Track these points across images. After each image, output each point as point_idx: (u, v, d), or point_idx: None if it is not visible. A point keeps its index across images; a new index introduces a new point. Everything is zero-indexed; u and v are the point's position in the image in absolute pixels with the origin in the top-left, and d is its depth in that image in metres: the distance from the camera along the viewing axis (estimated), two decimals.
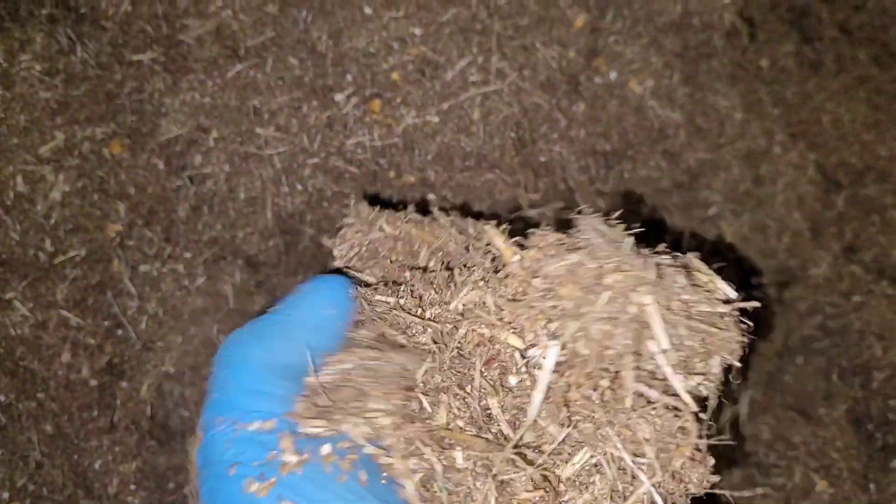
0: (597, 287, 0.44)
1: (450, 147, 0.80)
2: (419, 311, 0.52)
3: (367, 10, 0.81)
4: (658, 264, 0.47)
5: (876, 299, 1.16)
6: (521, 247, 0.49)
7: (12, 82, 0.86)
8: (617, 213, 0.52)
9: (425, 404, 0.48)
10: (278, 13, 0.85)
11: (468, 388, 0.47)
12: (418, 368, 0.49)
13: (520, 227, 0.56)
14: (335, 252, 0.60)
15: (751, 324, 0.49)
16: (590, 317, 0.44)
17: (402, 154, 0.80)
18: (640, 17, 0.97)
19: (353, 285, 0.55)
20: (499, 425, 0.47)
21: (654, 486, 0.45)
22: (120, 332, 0.88)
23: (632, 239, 0.48)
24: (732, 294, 0.48)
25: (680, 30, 1.02)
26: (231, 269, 0.84)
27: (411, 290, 0.53)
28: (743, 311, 0.49)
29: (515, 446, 0.46)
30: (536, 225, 0.53)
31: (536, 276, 0.47)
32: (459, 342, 0.48)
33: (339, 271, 0.59)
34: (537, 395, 0.45)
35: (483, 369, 0.47)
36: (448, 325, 0.49)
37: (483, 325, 0.47)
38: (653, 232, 0.96)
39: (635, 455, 0.45)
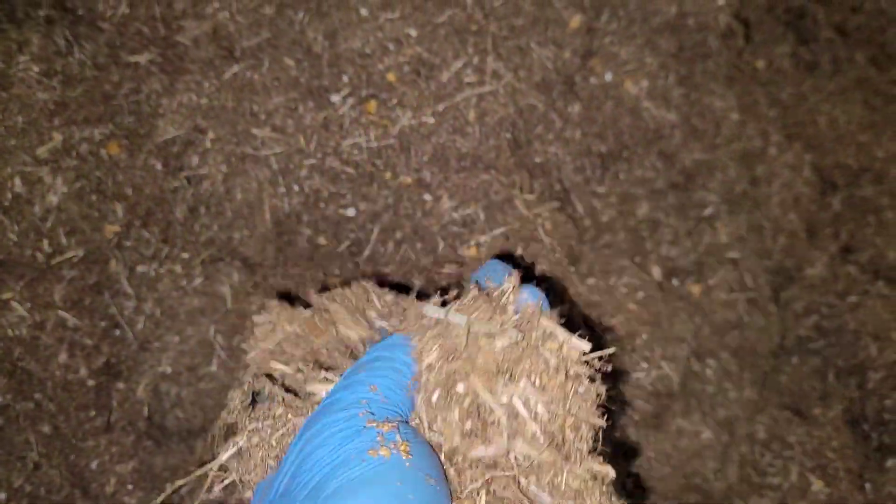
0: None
1: (445, 148, 0.81)
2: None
3: (363, 12, 0.82)
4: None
5: (871, 300, 1.16)
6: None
7: (10, 83, 0.86)
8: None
9: None
10: (274, 14, 0.85)
11: None
12: None
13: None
14: (249, 356, 0.59)
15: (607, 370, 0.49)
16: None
17: (398, 155, 0.80)
18: (635, 18, 0.98)
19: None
20: None
21: None
22: (117, 332, 0.88)
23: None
24: (586, 347, 0.48)
25: (675, 31, 1.02)
26: (228, 269, 0.85)
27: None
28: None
29: None
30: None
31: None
32: None
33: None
34: None
35: None
36: None
37: None
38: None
39: None
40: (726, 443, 0.95)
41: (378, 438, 0.46)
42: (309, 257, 0.87)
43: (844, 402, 1.12)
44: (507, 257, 0.82)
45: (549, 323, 0.48)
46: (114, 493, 0.86)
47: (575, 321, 0.87)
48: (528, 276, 0.83)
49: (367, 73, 0.79)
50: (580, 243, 0.91)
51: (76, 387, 0.88)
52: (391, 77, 0.79)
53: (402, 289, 0.65)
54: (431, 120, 0.79)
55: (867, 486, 1.05)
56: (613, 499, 0.48)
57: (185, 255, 0.86)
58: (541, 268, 0.82)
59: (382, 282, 0.72)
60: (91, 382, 0.88)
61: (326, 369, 0.54)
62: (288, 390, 0.54)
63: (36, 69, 0.87)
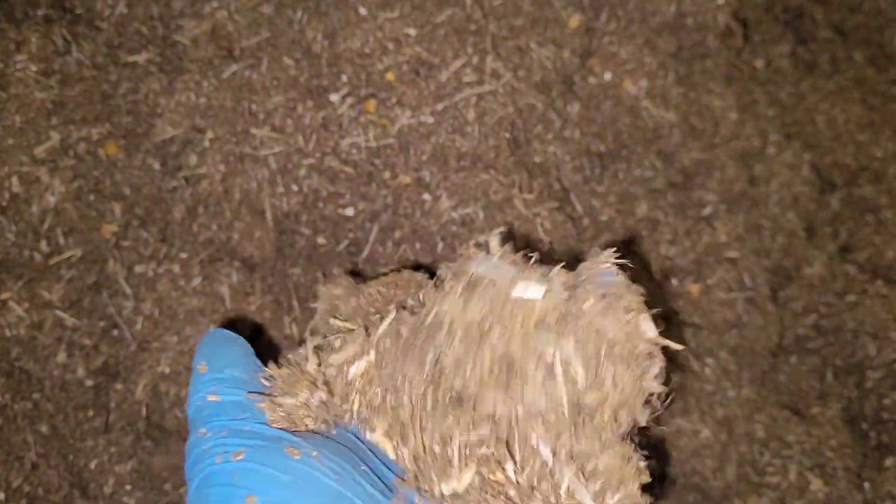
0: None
1: (445, 147, 0.80)
2: None
3: (362, 11, 0.82)
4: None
5: (870, 299, 1.16)
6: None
7: (8, 83, 0.86)
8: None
9: None
10: (273, 14, 0.85)
11: None
12: None
13: None
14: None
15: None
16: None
17: (397, 154, 0.80)
18: (634, 18, 0.98)
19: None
20: None
21: None
22: (115, 332, 0.88)
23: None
24: (652, 333, 0.46)
25: (674, 30, 1.02)
26: (227, 269, 0.84)
27: None
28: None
29: None
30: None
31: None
32: None
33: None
34: None
35: None
36: None
37: None
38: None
39: None
40: (725, 442, 0.95)
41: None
42: (308, 257, 0.87)
43: (843, 401, 1.12)
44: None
45: (630, 294, 0.45)
46: (112, 493, 0.86)
47: None
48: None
49: (367, 73, 0.79)
50: (579, 242, 0.91)
51: (74, 387, 0.88)
52: (390, 76, 0.79)
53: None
54: (430, 119, 0.79)
55: (866, 485, 1.05)
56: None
57: (184, 255, 0.86)
58: (540, 269, 0.81)
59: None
60: (89, 382, 0.88)
61: None
62: None
63: (34, 68, 0.87)
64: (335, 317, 0.57)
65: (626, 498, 0.45)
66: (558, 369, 0.43)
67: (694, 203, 1.07)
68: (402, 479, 0.48)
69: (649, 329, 0.45)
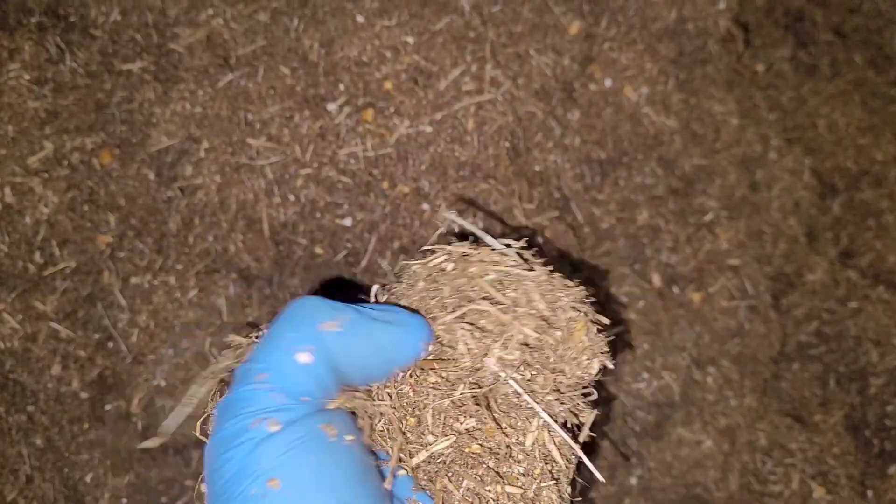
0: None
1: (444, 157, 0.79)
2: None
3: (360, 19, 0.80)
4: None
5: (872, 305, 1.15)
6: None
7: (0, 91, 0.84)
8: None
9: None
10: (270, 22, 0.84)
11: None
12: None
13: None
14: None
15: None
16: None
17: (395, 164, 0.79)
18: (634, 24, 0.97)
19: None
20: None
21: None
22: (111, 344, 0.87)
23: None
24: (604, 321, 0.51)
25: (675, 36, 1.01)
26: (224, 281, 0.83)
27: None
28: None
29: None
30: None
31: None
32: None
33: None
34: None
35: None
36: None
37: None
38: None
39: None
40: (727, 452, 0.94)
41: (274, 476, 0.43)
42: (306, 267, 0.86)
43: (845, 408, 1.11)
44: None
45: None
46: None
47: None
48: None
49: (364, 82, 0.78)
50: (580, 252, 0.90)
51: (69, 399, 0.87)
52: (388, 85, 0.78)
53: None
54: (429, 129, 0.78)
55: (869, 492, 1.05)
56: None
57: (180, 267, 0.85)
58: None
59: None
60: (84, 395, 0.87)
61: None
62: None
63: (27, 77, 0.85)
64: None
65: None
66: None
67: (695, 210, 1.06)
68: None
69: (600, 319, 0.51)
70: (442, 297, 0.50)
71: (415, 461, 0.48)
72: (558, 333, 0.48)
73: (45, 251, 0.85)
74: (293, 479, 0.43)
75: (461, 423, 0.48)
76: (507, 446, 0.48)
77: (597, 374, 0.50)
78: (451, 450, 0.48)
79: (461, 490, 0.47)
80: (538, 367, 0.48)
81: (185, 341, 0.83)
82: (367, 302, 0.54)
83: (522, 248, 0.53)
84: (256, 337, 0.51)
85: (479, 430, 0.48)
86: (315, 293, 0.61)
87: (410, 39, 0.79)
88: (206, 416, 0.52)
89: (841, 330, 1.14)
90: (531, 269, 0.51)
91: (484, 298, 0.49)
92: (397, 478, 0.49)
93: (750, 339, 1.01)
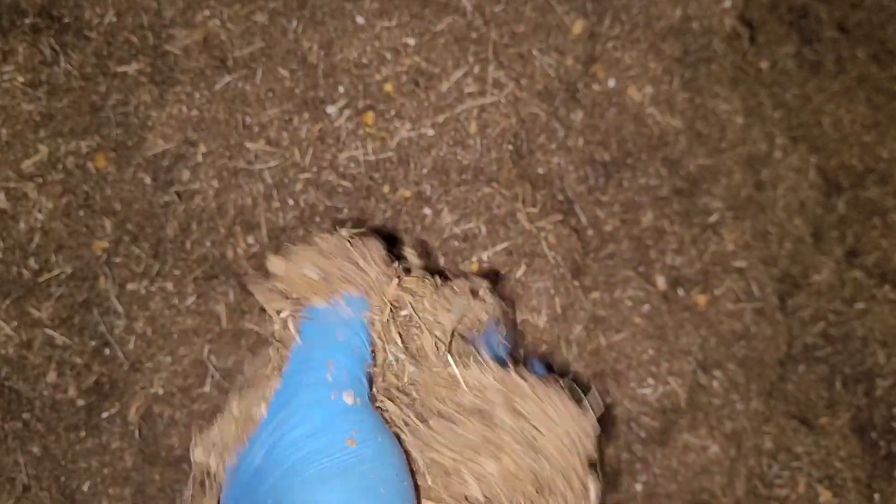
0: None
1: (446, 160, 0.78)
2: None
3: (359, 20, 0.79)
4: None
5: (879, 305, 1.14)
6: None
7: None
8: None
9: None
10: (267, 23, 0.82)
11: None
12: None
13: None
14: None
15: None
16: None
17: (396, 168, 0.77)
18: (638, 23, 0.95)
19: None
20: None
21: None
22: (107, 351, 0.85)
23: None
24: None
25: (679, 34, 1.00)
26: (223, 287, 0.82)
27: None
28: None
29: None
30: None
31: None
32: None
33: None
34: None
35: None
36: None
37: None
38: None
39: None
40: (734, 457, 0.93)
41: (352, 432, 0.48)
42: None
43: (852, 410, 1.10)
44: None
45: None
46: None
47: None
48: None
49: (364, 84, 0.77)
50: (584, 256, 0.89)
51: (65, 407, 0.85)
52: (389, 88, 0.76)
53: None
54: (431, 132, 0.77)
55: (876, 496, 1.04)
56: None
57: (177, 272, 0.83)
58: (544, 284, 0.79)
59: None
60: (81, 402, 0.86)
61: None
62: None
63: (21, 79, 0.84)
64: None
65: None
66: None
67: (700, 210, 1.05)
68: None
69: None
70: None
71: None
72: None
73: (40, 257, 0.83)
74: (368, 443, 0.48)
75: None
76: None
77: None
78: None
79: None
80: None
81: (182, 348, 0.82)
82: None
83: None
84: None
85: None
86: None
87: (411, 41, 0.77)
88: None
89: (847, 331, 1.13)
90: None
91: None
92: None
93: (756, 341, 1.00)
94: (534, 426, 0.49)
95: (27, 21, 0.87)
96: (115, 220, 0.84)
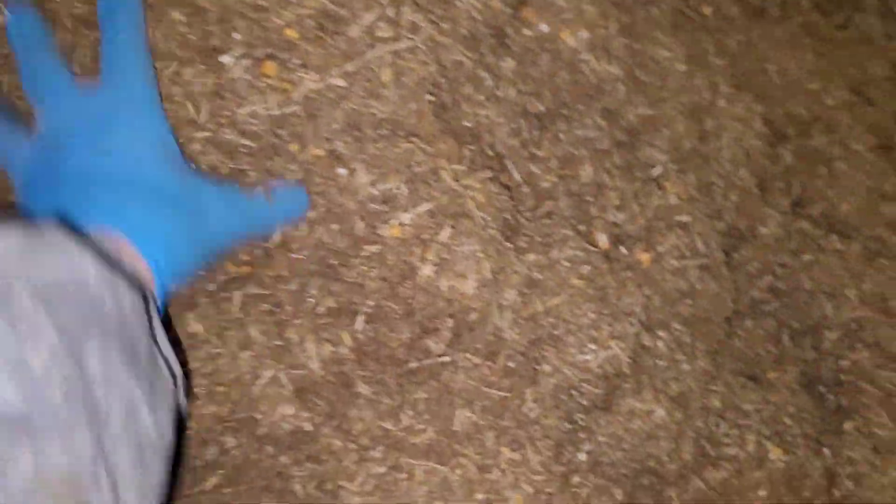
0: None
1: (359, 114, 0.70)
2: None
3: None
4: None
5: (826, 256, 1.12)
6: None
7: None
8: None
9: None
10: None
11: None
12: None
13: None
14: None
15: None
16: None
17: (304, 123, 0.69)
18: None
19: None
20: None
21: None
22: None
23: None
24: None
25: None
26: None
27: None
28: None
29: None
30: None
31: None
32: None
33: None
34: None
35: None
36: None
37: None
38: None
39: None
40: (680, 420, 0.89)
41: None
42: None
43: (800, 364, 1.08)
44: None
45: None
46: None
47: None
48: None
49: (263, 30, 0.68)
50: (517, 215, 0.83)
51: None
52: (291, 33, 0.68)
53: None
54: (341, 82, 0.69)
55: (825, 450, 1.02)
56: None
57: None
58: (471, 247, 0.73)
59: None
60: None
61: None
62: None
63: None
64: None
65: None
66: None
67: (642, 163, 0.99)
68: None
69: None
70: None
71: None
72: None
73: None
74: None
75: None
76: None
77: None
78: None
79: None
80: None
81: None
82: None
83: None
84: None
85: None
86: None
87: None
88: None
89: (794, 284, 1.11)
90: None
91: None
92: None
93: (702, 299, 0.96)
94: None
95: None
96: None
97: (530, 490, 0.77)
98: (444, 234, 0.73)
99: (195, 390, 0.72)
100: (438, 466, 0.75)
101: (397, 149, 0.71)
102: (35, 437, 0.37)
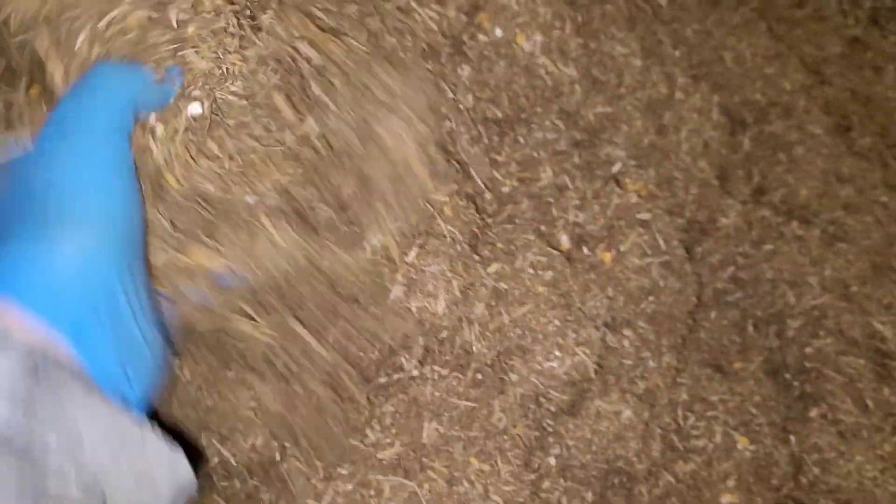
0: None
1: None
2: None
3: None
4: None
5: (787, 244, 1.13)
6: None
7: None
8: None
9: None
10: None
11: None
12: None
13: None
14: None
15: None
16: None
17: None
18: None
19: None
20: None
21: None
22: None
23: None
24: None
25: None
26: None
27: None
28: None
29: None
30: None
31: None
32: None
33: None
34: None
35: None
36: None
37: None
38: None
39: None
40: (647, 419, 0.90)
41: None
42: None
43: (764, 353, 1.09)
44: None
45: None
46: None
47: None
48: None
49: None
50: (482, 225, 0.83)
51: None
52: None
53: None
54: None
55: (791, 438, 1.03)
56: None
57: None
58: (439, 266, 0.73)
59: None
60: None
61: None
62: None
63: None
64: None
65: None
66: None
67: (602, 161, 1.00)
68: None
69: None
70: None
71: None
72: None
73: None
74: None
75: None
76: None
77: None
78: None
79: None
80: None
81: None
82: None
83: None
84: None
85: None
86: None
87: None
88: None
89: (757, 274, 1.12)
90: None
91: None
92: None
93: (665, 295, 0.97)
94: None
95: None
96: None
97: (500, 501, 0.78)
98: (411, 255, 0.73)
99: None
100: (406, 482, 0.75)
101: None
102: None
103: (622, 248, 0.93)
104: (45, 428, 0.42)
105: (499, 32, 0.86)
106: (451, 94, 0.81)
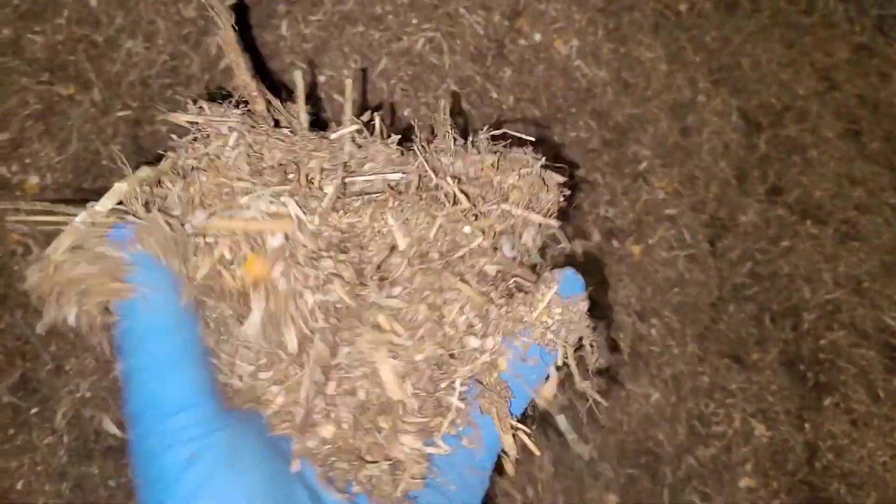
0: None
1: None
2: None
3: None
4: None
5: (802, 241, 1.17)
6: None
7: None
8: None
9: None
10: None
11: None
12: None
13: None
14: None
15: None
16: None
17: None
18: None
19: None
20: None
21: None
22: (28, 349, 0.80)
23: None
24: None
25: None
26: None
27: None
28: None
29: None
30: None
31: None
32: None
33: None
34: None
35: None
36: None
37: None
38: None
39: None
40: (674, 402, 0.95)
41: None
42: None
43: (780, 344, 1.13)
44: None
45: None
46: None
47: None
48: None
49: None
50: None
51: None
52: None
53: None
54: None
55: (806, 425, 1.07)
56: None
57: None
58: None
59: None
60: (7, 399, 0.81)
61: None
62: None
63: None
64: None
65: None
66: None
67: (630, 160, 1.05)
68: None
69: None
70: None
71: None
72: None
73: None
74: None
75: None
76: None
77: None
78: None
79: None
80: None
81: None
82: None
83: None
84: None
85: None
86: None
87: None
88: None
89: (774, 269, 1.16)
90: None
91: None
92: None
93: (689, 287, 1.02)
94: None
95: None
96: None
97: None
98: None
99: None
100: None
101: None
102: None
103: (650, 242, 0.99)
104: None
105: (538, 37, 0.92)
106: (494, 95, 0.86)
